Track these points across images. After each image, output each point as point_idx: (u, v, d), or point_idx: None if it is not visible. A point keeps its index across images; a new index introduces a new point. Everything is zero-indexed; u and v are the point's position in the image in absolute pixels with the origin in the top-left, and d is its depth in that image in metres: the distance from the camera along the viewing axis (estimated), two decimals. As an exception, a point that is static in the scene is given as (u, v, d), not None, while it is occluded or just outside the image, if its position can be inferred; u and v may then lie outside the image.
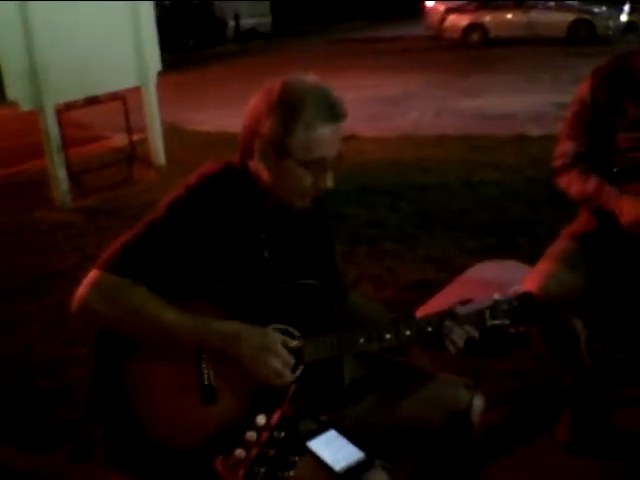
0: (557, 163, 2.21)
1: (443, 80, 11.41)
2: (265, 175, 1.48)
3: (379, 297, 3.40)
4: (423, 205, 4.89)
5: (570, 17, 16.28)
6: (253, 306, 1.48)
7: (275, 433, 1.15)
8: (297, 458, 1.12)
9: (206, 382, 1.43)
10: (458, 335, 1.55)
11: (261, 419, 1.17)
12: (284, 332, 1.48)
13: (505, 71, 11.95)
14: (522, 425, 2.39)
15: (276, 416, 1.18)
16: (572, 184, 2.16)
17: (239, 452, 1.15)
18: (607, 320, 2.36)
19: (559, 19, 16.26)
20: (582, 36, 15.84)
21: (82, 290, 1.40)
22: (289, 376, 1.44)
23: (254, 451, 1.13)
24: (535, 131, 6.69)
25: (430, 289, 3.31)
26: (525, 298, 1.62)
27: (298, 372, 1.47)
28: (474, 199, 4.93)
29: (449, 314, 1.57)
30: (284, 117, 1.40)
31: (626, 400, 2.45)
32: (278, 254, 1.56)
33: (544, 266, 2.10)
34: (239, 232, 1.50)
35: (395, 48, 17.54)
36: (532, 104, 8.52)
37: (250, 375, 1.43)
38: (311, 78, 1.47)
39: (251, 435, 1.15)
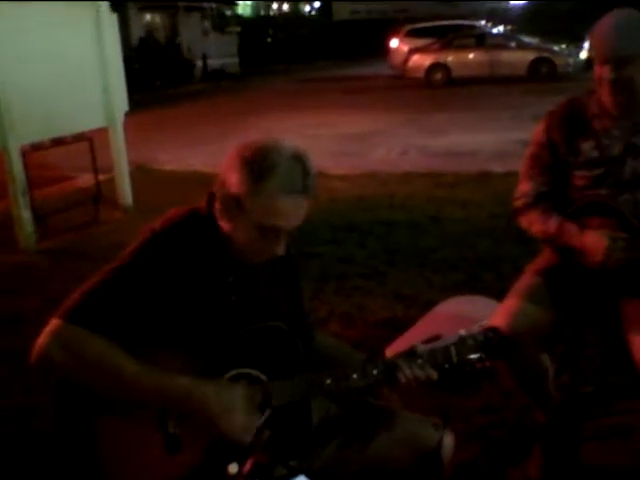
0: (518, 203, 2.26)
1: (408, 118, 11.62)
2: (223, 224, 1.48)
3: (348, 335, 3.39)
4: (391, 241, 4.93)
5: (531, 56, 16.82)
6: (220, 351, 1.47)
7: None
8: None
9: (170, 431, 1.40)
10: (414, 375, 1.53)
11: (233, 468, 1.15)
12: (251, 377, 1.47)
13: (468, 109, 12.23)
14: (493, 461, 2.38)
15: (249, 464, 1.16)
16: (533, 224, 2.21)
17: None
18: (573, 354, 2.39)
19: (520, 58, 16.78)
20: (543, 74, 16.34)
21: (42, 340, 1.37)
22: (248, 439, 1.41)
23: None
24: (498, 168, 6.83)
25: (399, 326, 3.31)
26: (491, 333, 1.63)
27: (266, 415, 1.46)
28: (441, 235, 5.00)
29: (411, 353, 1.57)
30: (251, 177, 1.41)
31: (595, 433, 2.46)
32: (245, 298, 1.56)
33: (510, 302, 2.13)
34: (206, 277, 1.50)
35: (361, 87, 17.84)
36: (494, 141, 8.72)
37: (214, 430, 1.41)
38: (294, 146, 1.46)
39: None
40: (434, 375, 1.55)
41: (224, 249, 1.51)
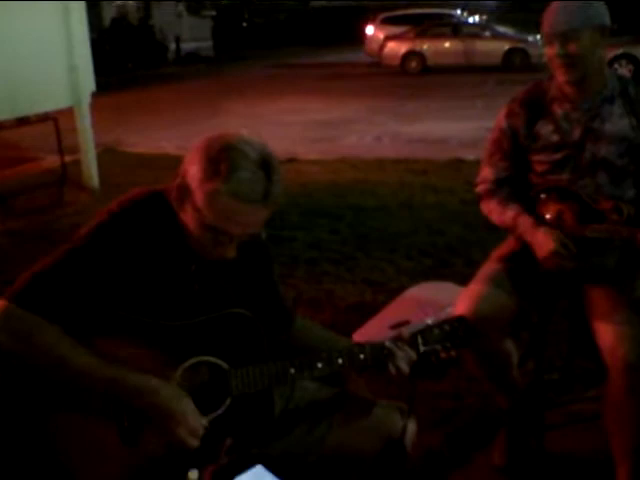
0: (480, 189, 2.25)
1: (382, 105, 11.60)
2: (179, 211, 1.41)
3: (317, 320, 3.34)
4: (362, 227, 4.90)
5: (505, 46, 16.88)
6: (180, 338, 1.41)
7: None
8: None
9: (126, 423, 1.35)
10: (400, 358, 1.53)
11: (193, 474, 1.09)
12: (211, 365, 1.42)
13: (442, 98, 12.24)
14: (457, 447, 2.37)
15: (209, 471, 1.10)
16: (492, 212, 2.20)
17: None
18: (538, 340, 2.38)
19: (495, 48, 16.84)
20: (517, 64, 16.41)
21: None
22: (195, 445, 1.36)
23: None
24: (470, 155, 6.83)
25: (368, 311, 3.29)
26: (457, 322, 1.61)
27: (226, 404, 1.41)
28: (412, 221, 4.98)
29: (388, 339, 1.55)
30: (208, 173, 1.33)
31: (559, 420, 2.46)
32: (209, 286, 1.49)
33: (474, 287, 2.10)
34: (166, 262, 1.43)
35: (336, 73, 17.76)
36: (467, 129, 8.72)
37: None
38: (263, 150, 1.37)
39: None
40: (414, 356, 1.54)
41: (185, 237, 1.44)
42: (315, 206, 5.41)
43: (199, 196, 1.34)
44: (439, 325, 1.59)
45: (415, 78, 16.06)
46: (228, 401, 1.42)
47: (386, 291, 3.67)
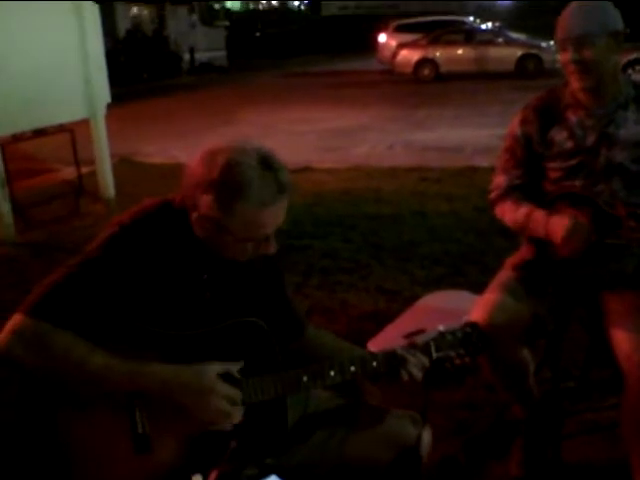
0: (493, 195, 2.25)
1: (395, 113, 11.59)
2: (204, 237, 1.43)
3: (331, 329, 3.32)
4: (376, 235, 4.89)
5: (518, 52, 16.84)
6: (191, 348, 1.42)
7: None
8: None
9: (140, 431, 1.35)
10: (413, 365, 1.53)
11: (197, 478, 1.09)
12: (224, 374, 1.42)
13: (455, 105, 12.22)
14: (473, 457, 2.35)
15: (213, 476, 1.09)
16: (505, 213, 2.19)
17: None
18: (555, 349, 2.37)
19: (508, 54, 16.80)
20: (530, 70, 16.37)
21: (3, 336, 1.31)
22: (238, 413, 1.38)
23: None
24: (484, 163, 6.81)
25: (382, 320, 3.28)
26: (470, 329, 1.61)
27: (240, 415, 1.41)
28: (426, 229, 4.97)
29: (400, 347, 1.55)
30: (224, 200, 1.36)
31: (576, 429, 2.44)
32: (221, 295, 1.51)
33: (489, 296, 2.10)
34: (178, 272, 1.44)
35: (349, 82, 17.80)
36: (481, 137, 8.71)
37: (193, 420, 1.36)
38: (257, 150, 1.39)
39: None
40: (426, 363, 1.54)
41: (198, 245, 1.46)
42: (329, 215, 5.42)
43: (227, 224, 1.38)
44: (452, 332, 1.59)
45: (428, 85, 16.05)
46: (242, 410, 1.42)
47: (400, 300, 3.66)
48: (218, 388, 1.36)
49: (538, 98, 2.18)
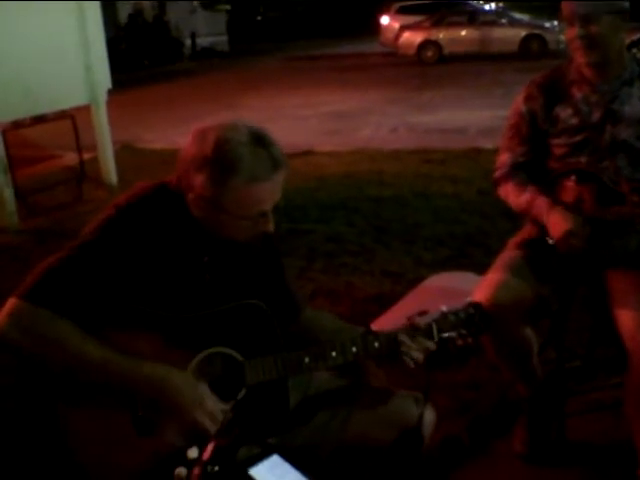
0: (497, 174, 2.23)
1: (398, 96, 11.52)
2: (201, 218, 1.43)
3: (335, 312, 3.31)
4: (379, 218, 4.88)
5: (522, 32, 16.70)
6: (193, 330, 1.41)
7: (209, 467, 1.05)
8: None
9: (141, 412, 1.35)
10: (415, 347, 1.52)
11: (192, 452, 1.07)
12: (225, 356, 1.42)
13: (459, 87, 12.14)
14: (478, 436, 2.36)
15: (209, 448, 1.08)
16: (509, 196, 2.18)
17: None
18: (559, 328, 2.36)
19: (511, 35, 16.66)
20: (534, 51, 16.23)
21: None
22: (215, 429, 1.36)
23: None
24: (487, 144, 6.76)
25: (386, 302, 3.28)
26: (472, 309, 1.60)
27: (241, 395, 1.42)
28: (429, 212, 4.95)
29: (401, 329, 1.54)
30: (217, 177, 1.35)
31: (580, 408, 2.44)
32: (221, 277, 1.50)
33: (493, 276, 2.09)
34: (178, 254, 1.44)
35: (351, 65, 17.69)
36: (485, 118, 8.65)
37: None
38: (248, 127, 1.39)
39: (180, 471, 1.04)
40: (431, 346, 1.53)
41: (197, 227, 1.45)
42: (332, 198, 5.40)
43: (222, 201, 1.37)
44: (454, 313, 1.58)
45: (431, 67, 15.94)
46: (243, 392, 1.42)
47: (404, 282, 3.65)
48: (205, 404, 1.36)
49: (543, 75, 2.16)
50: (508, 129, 2.20)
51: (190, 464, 1.03)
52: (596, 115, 2.05)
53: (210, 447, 1.07)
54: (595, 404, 2.47)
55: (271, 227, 1.45)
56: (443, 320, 1.56)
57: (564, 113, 2.08)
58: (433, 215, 4.86)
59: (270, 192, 1.40)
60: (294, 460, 1.34)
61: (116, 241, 1.37)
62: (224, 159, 1.34)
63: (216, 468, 1.04)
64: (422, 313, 1.60)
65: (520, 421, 2.30)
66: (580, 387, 2.55)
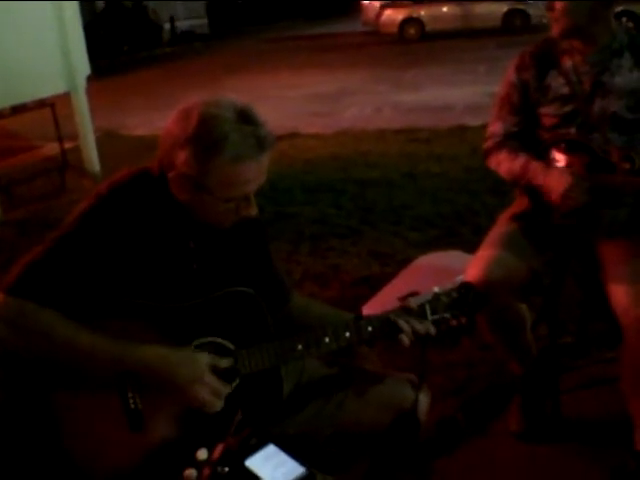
0: (487, 144, 2.21)
1: (381, 75, 11.45)
2: (184, 199, 1.38)
3: (324, 295, 3.33)
4: (366, 200, 4.85)
5: (504, 7, 16.59)
6: (183, 320, 1.38)
7: (218, 469, 1.03)
8: None
9: (132, 407, 1.32)
10: (408, 329, 1.49)
11: (202, 454, 1.05)
12: (217, 345, 1.39)
13: (442, 64, 12.07)
14: (473, 416, 2.35)
15: (218, 450, 1.06)
16: (501, 163, 2.15)
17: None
18: (551, 304, 2.35)
19: (494, 10, 16.56)
20: (517, 26, 16.15)
21: None
22: (220, 405, 1.36)
23: None
24: (473, 121, 6.74)
25: (375, 284, 3.26)
26: (464, 289, 1.57)
27: (234, 384, 1.39)
28: (416, 191, 4.92)
29: (394, 311, 1.52)
30: (201, 154, 1.30)
31: (575, 384, 2.44)
32: (208, 264, 1.46)
33: (484, 253, 2.07)
34: (162, 242, 1.40)
35: (333, 45, 17.56)
36: (469, 95, 8.60)
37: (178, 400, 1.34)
38: (234, 104, 1.34)
39: (190, 473, 1.01)
40: (432, 330, 1.51)
41: (182, 213, 1.41)
42: (318, 181, 5.36)
43: (205, 181, 1.32)
44: (447, 293, 1.56)
45: (414, 45, 15.84)
46: (237, 381, 1.40)
47: (393, 263, 3.64)
48: (206, 379, 1.34)
49: (535, 45, 2.14)
50: (499, 99, 2.18)
51: (199, 465, 1.00)
52: (585, 86, 2.03)
53: (220, 448, 1.04)
54: (589, 380, 2.47)
55: (253, 211, 1.41)
56: (436, 301, 1.54)
57: (555, 82, 2.06)
58: (420, 195, 4.83)
59: (255, 172, 1.35)
60: (290, 448, 1.32)
61: (97, 230, 1.33)
62: (208, 136, 1.30)
63: (226, 469, 1.01)
64: (413, 294, 1.58)
65: (515, 400, 2.29)
66: (574, 363, 2.55)
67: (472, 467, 2.13)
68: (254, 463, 1.25)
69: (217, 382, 1.36)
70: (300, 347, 1.44)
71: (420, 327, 1.51)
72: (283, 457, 1.31)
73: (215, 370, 1.37)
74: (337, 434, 1.57)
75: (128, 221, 1.35)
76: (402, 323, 1.49)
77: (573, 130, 2.04)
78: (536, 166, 2.04)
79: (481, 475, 2.09)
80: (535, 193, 2.07)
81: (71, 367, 1.30)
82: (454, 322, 1.56)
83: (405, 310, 1.52)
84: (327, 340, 1.45)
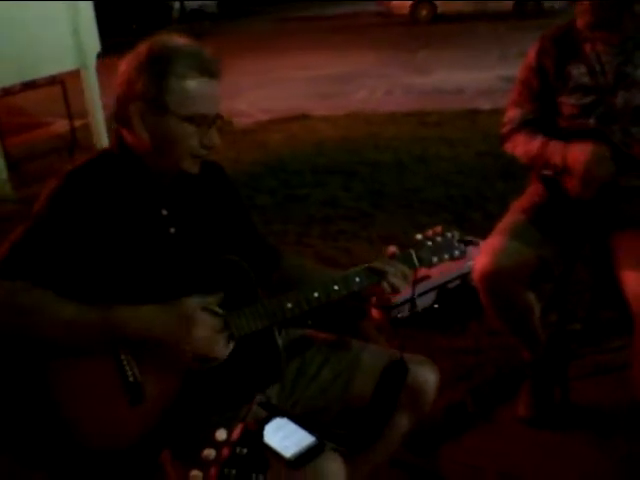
0: (505, 129, 2.19)
1: (393, 57, 11.35)
2: (146, 140, 1.39)
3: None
4: (377, 183, 4.83)
5: (517, -9, 16.36)
6: (169, 288, 1.38)
7: (237, 449, 1.03)
8: (262, 477, 1.01)
9: (131, 379, 1.34)
10: (393, 274, 1.48)
11: (221, 434, 1.05)
12: (204, 309, 1.38)
13: (454, 47, 11.95)
14: (481, 401, 2.36)
15: (237, 431, 1.06)
16: (517, 146, 2.14)
17: (195, 473, 1.01)
18: (561, 292, 2.34)
19: (507, -7, 16.33)
20: (529, 10, 15.93)
21: None
22: (224, 340, 1.36)
23: (213, 470, 1.00)
24: (485, 105, 6.69)
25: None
26: (450, 234, 1.55)
27: (230, 347, 1.39)
28: (427, 175, 4.89)
29: (380, 259, 1.51)
30: (156, 73, 1.37)
31: (583, 371, 2.44)
32: (185, 229, 1.47)
33: (495, 240, 2.06)
34: (135, 212, 1.41)
35: (344, 26, 17.39)
36: (481, 79, 8.53)
37: (177, 356, 1.34)
38: (182, 38, 1.45)
39: (209, 452, 1.02)
40: (407, 272, 1.50)
41: (151, 180, 1.44)
42: (328, 163, 5.33)
43: (163, 94, 1.36)
44: (431, 238, 1.54)
45: (425, 27, 15.67)
46: (232, 345, 1.40)
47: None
48: (198, 316, 1.34)
49: (556, 28, 2.11)
50: (518, 84, 2.15)
51: (218, 446, 1.01)
52: (609, 76, 1.99)
53: (239, 429, 1.04)
54: (598, 367, 2.47)
55: (217, 140, 1.43)
56: (420, 246, 1.52)
57: (576, 71, 2.03)
58: (431, 178, 4.80)
59: (207, 94, 1.40)
60: (300, 420, 1.33)
61: (69, 207, 1.35)
62: (161, 54, 1.38)
63: (245, 450, 1.01)
64: (423, 278, 1.57)
65: (524, 386, 2.30)
66: (582, 350, 2.55)
67: (479, 452, 2.14)
68: (265, 435, 1.26)
69: (211, 318, 1.36)
70: (290, 305, 1.43)
71: (407, 270, 1.50)
72: (293, 427, 1.32)
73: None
74: (345, 410, 1.58)
75: (97, 194, 1.37)
76: (388, 267, 1.48)
77: (592, 121, 2.02)
78: (555, 143, 2.02)
79: (488, 460, 2.10)
80: (550, 180, 2.06)
81: (60, 340, 1.31)
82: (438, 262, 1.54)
83: (391, 257, 1.51)
84: (316, 294, 1.45)
